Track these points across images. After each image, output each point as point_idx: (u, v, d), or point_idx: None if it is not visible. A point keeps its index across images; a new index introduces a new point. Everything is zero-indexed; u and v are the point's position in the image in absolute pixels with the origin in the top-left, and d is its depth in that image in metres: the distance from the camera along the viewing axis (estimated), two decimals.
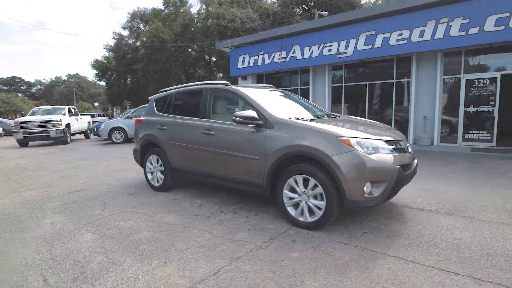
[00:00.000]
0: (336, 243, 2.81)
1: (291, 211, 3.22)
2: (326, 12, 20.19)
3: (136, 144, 5.10)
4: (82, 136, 16.80)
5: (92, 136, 16.56)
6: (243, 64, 13.04)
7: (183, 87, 4.67)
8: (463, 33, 7.62)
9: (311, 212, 3.09)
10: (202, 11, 34.43)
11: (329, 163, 2.85)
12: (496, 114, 7.99)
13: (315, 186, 2.99)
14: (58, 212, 3.95)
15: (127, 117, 12.51)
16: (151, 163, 4.83)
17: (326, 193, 2.91)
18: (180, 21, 31.13)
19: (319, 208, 3.00)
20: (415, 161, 3.49)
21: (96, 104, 65.24)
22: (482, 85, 8.13)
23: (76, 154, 9.65)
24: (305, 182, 3.08)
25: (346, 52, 9.84)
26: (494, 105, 8.01)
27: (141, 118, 5.05)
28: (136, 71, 32.78)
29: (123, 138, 12.47)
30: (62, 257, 2.70)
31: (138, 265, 2.51)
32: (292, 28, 11.27)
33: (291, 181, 3.16)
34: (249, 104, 3.59)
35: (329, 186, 2.89)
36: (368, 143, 2.90)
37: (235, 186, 3.77)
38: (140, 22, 35.44)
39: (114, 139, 12.41)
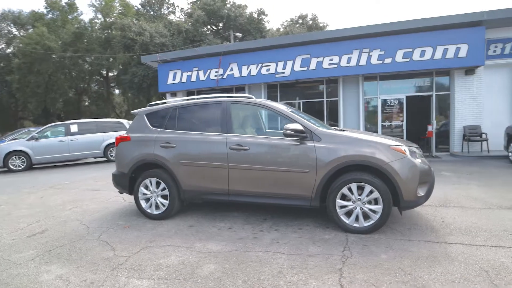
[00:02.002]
0: (400, 241, 3.09)
1: (344, 218, 3.36)
2: (240, 34, 21.36)
3: (121, 167, 4.27)
4: None
5: None
6: (174, 79, 12.45)
7: (189, 99, 4.24)
8: (381, 62, 9.46)
9: (365, 217, 3.30)
10: (97, 20, 31.13)
11: (387, 169, 3.16)
12: (404, 127, 10.10)
13: (371, 192, 3.24)
14: (48, 262, 2.95)
15: (31, 138, 10.03)
16: (146, 188, 4.12)
17: (383, 197, 3.19)
18: (71, 28, 27.26)
19: (374, 212, 3.25)
20: None
21: None
22: (393, 104, 10.19)
23: None
24: (359, 189, 3.29)
25: (284, 72, 10.70)
26: (402, 120, 10.12)
27: (128, 135, 4.28)
28: (8, 83, 26.63)
29: (25, 164, 9.90)
30: None
31: None
32: (230, 47, 11.54)
33: (344, 189, 3.31)
34: (288, 118, 3.59)
35: (386, 190, 3.18)
36: (412, 150, 3.36)
37: (272, 202, 3.64)
38: (12, 25, 29.24)
39: (11, 166, 9.71)
